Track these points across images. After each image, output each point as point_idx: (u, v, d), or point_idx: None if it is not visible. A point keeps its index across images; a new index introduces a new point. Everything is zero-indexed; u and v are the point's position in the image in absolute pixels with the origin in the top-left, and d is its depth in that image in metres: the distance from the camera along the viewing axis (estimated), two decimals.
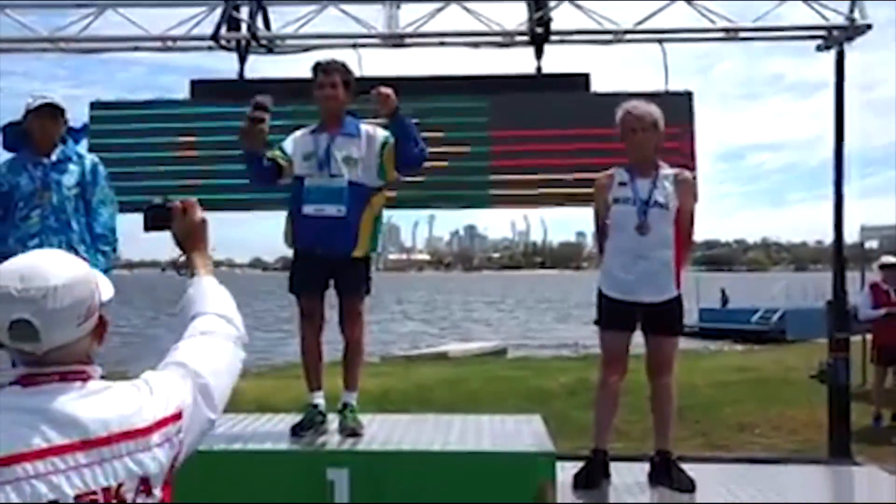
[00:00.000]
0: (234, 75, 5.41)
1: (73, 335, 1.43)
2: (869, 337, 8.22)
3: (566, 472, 3.73)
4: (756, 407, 8.50)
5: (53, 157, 3.96)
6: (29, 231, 3.88)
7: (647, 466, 3.90)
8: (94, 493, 1.35)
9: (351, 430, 3.82)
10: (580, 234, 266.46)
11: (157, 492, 1.44)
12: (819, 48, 5.33)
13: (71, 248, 3.88)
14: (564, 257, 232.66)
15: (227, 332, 1.69)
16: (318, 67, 3.88)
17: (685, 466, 3.86)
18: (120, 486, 1.37)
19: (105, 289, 1.54)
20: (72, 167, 3.98)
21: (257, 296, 42.52)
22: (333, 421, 3.94)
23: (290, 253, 4.06)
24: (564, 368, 12.48)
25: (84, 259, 3.91)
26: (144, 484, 1.41)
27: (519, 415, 4.36)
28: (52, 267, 1.43)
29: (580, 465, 3.85)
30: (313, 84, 3.89)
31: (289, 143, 3.92)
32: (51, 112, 3.91)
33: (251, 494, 3.47)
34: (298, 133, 3.97)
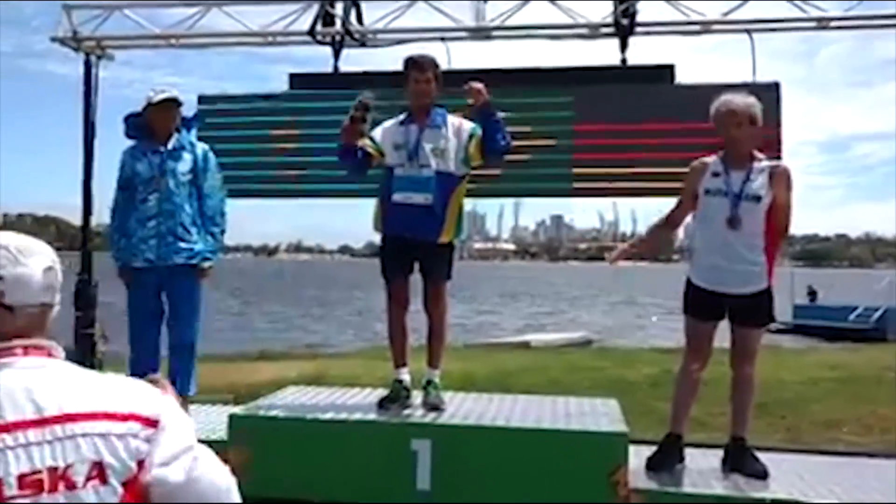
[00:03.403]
0: (323, 63, 5.67)
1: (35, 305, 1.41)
2: None
3: (644, 457, 3.85)
4: (846, 405, 8.25)
5: (170, 146, 4.34)
6: (147, 213, 4.27)
7: (721, 453, 3.97)
8: (40, 471, 1.26)
9: (433, 405, 4.05)
10: None
11: (117, 485, 1.30)
12: None
13: (184, 230, 4.27)
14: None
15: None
16: (410, 62, 4.10)
17: (761, 456, 3.90)
18: (68, 467, 1.28)
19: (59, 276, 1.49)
20: (185, 155, 4.35)
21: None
22: (417, 397, 4.18)
23: (376, 239, 4.31)
24: (649, 360, 12.37)
25: (196, 240, 4.30)
26: (98, 470, 1.29)
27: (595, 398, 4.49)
28: (25, 245, 1.43)
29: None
30: (406, 77, 4.11)
31: (378, 134, 4.15)
32: (170, 105, 4.28)
33: (342, 459, 3.75)
34: (388, 124, 4.19)
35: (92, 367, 5.79)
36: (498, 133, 3.99)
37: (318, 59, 5.67)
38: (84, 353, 5.78)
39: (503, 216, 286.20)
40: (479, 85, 3.95)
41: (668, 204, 4.24)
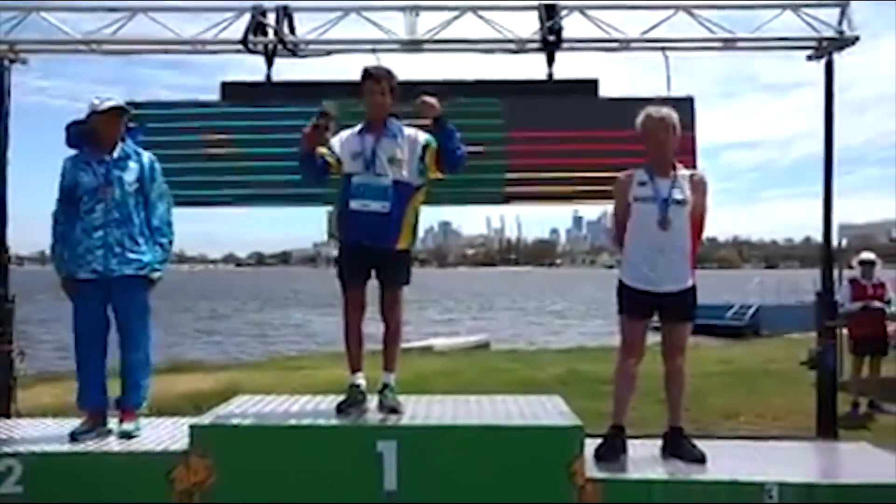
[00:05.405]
0: (212, 70, 5.68)
1: None
2: (846, 330, 8.65)
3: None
4: (740, 396, 8.92)
5: (115, 155, 4.22)
6: (93, 223, 4.13)
7: (659, 443, 4.28)
8: None
9: (391, 408, 4.13)
10: (553, 232, 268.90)
11: None
12: (810, 58, 5.73)
13: (132, 241, 4.17)
14: (538, 254, 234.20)
15: None
16: (367, 74, 4.19)
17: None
18: None
19: None
20: (132, 164, 4.24)
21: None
22: (372, 400, 4.26)
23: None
24: (553, 361, 12.90)
25: (144, 251, 4.19)
26: None
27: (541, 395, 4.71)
28: None
29: (597, 442, 4.19)
30: (362, 88, 4.19)
31: (336, 143, 4.22)
32: (116, 113, 4.18)
33: (308, 464, 3.79)
34: (345, 134, 4.26)
35: (9, 385, 5.53)
36: (452, 144, 4.14)
37: (204, 65, 5.63)
38: (1, 372, 5.50)
39: None
40: (431, 99, 4.09)
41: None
